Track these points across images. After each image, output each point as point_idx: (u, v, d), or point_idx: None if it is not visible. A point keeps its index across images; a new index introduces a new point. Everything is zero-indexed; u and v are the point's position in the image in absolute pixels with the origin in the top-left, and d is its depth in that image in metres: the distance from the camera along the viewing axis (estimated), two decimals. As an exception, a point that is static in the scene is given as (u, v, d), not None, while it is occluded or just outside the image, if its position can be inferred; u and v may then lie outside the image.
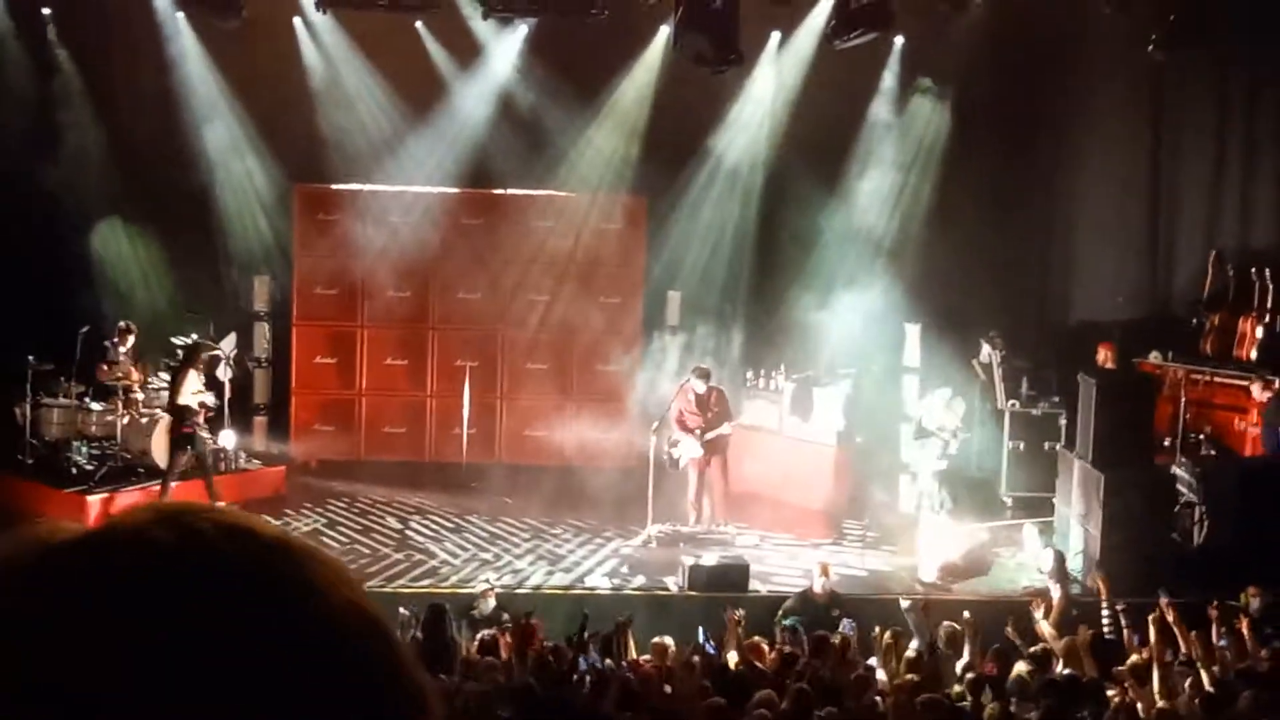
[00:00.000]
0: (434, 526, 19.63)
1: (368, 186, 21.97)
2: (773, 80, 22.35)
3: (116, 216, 22.15)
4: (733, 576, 17.27)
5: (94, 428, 19.88)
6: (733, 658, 14.25)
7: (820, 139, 22.05)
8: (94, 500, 18.79)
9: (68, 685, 1.16)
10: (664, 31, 21.45)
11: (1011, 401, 20.91)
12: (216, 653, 1.17)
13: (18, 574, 1.22)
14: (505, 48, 22.21)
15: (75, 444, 19.82)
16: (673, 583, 17.50)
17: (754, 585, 17.35)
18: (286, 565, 1.24)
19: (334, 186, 22.05)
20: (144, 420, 19.88)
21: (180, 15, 21.29)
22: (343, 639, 1.23)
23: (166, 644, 1.17)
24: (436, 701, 1.29)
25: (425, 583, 17.41)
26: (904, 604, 15.37)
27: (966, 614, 14.79)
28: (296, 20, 21.94)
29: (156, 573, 1.20)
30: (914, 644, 14.55)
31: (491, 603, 15.82)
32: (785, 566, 18.33)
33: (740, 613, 14.94)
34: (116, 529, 1.25)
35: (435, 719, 1.28)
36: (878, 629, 14.80)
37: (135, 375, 20.17)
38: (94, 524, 1.28)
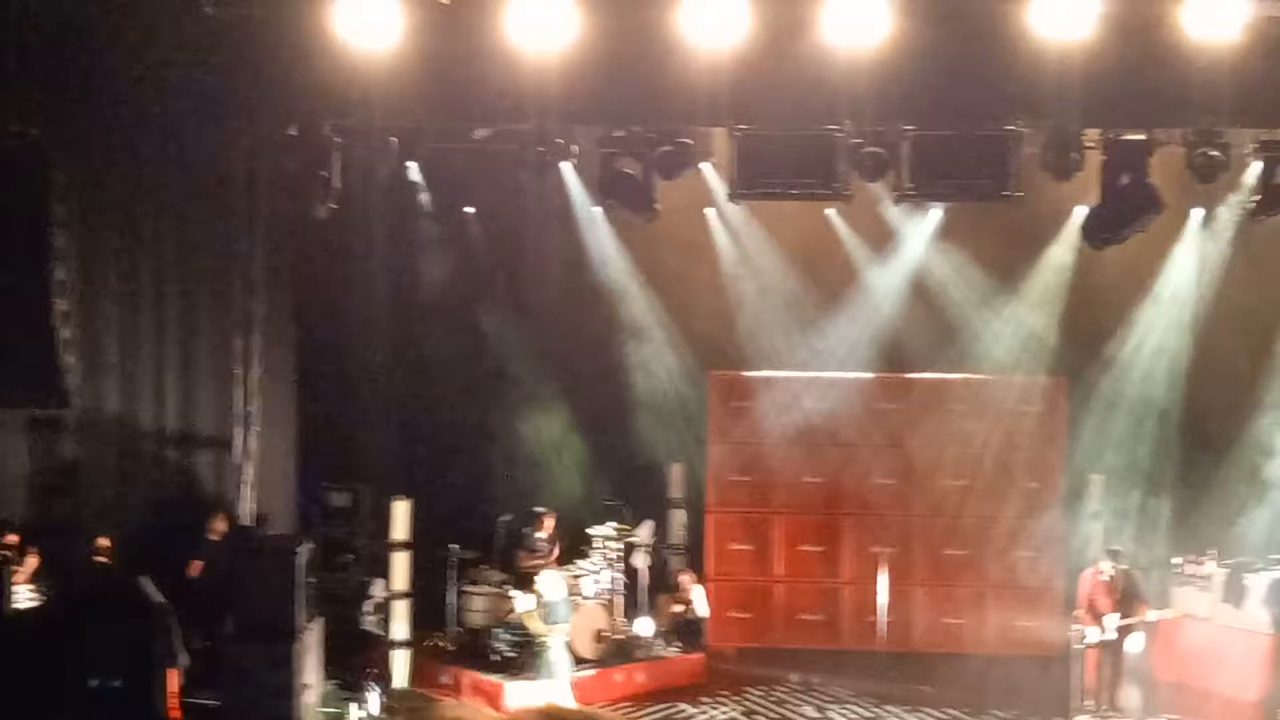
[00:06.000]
0: (852, 715, 19.27)
1: (781, 373, 21.99)
2: (1195, 256, 21.69)
3: (536, 404, 22.62)
4: (1163, 772, 16.51)
5: (514, 615, 20.13)
6: None
7: (1247, 314, 21.26)
8: (512, 686, 19.01)
9: None
10: (1080, 210, 21.04)
11: None
12: None
13: None
14: (919, 231, 22.06)
15: (495, 630, 20.10)
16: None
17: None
18: None
19: (746, 373, 22.12)
20: (563, 607, 20.10)
21: (598, 210, 21.75)
22: None
23: None
24: None
25: (844, 774, 17.09)
26: None
27: None
28: (709, 211, 22.19)
29: None
30: None
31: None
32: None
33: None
34: None
35: None
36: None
37: (554, 562, 20.48)
38: None
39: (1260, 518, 20.27)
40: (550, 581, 19.08)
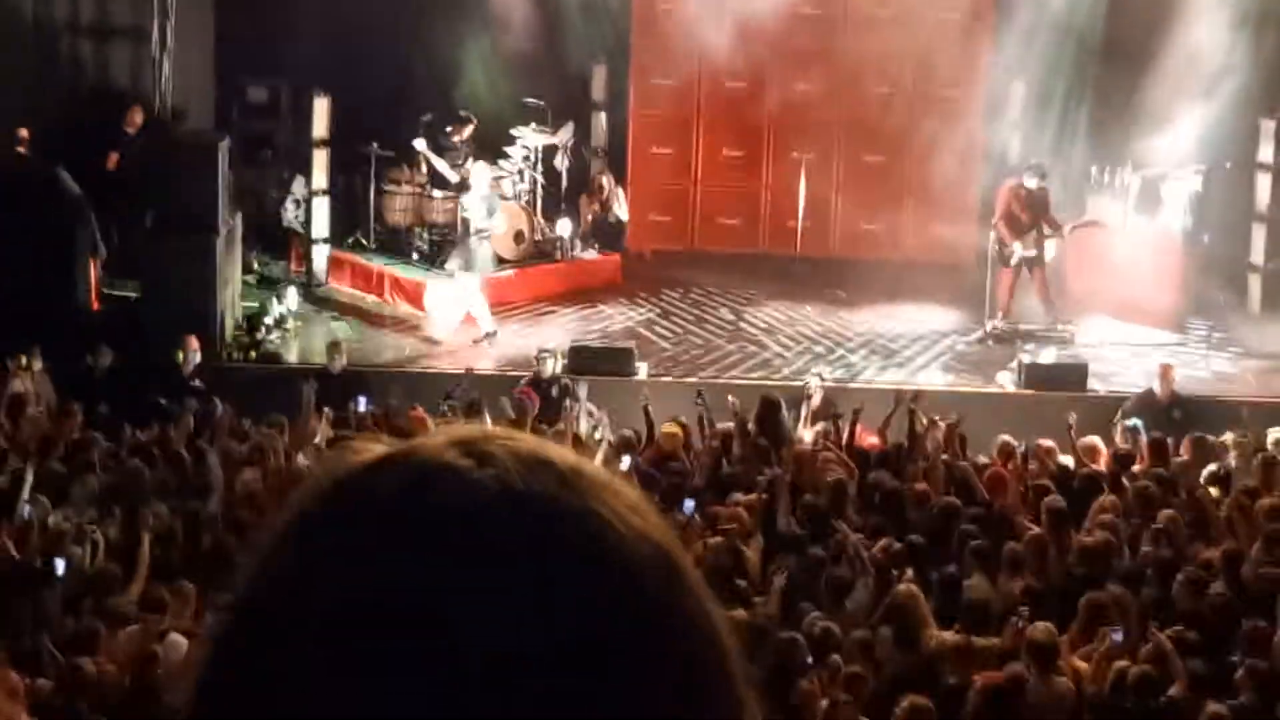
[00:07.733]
0: (766, 319, 19.60)
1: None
2: None
3: (455, 11, 22.26)
4: (1070, 375, 16.92)
5: (436, 215, 20.15)
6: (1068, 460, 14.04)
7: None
8: (432, 283, 19.19)
9: (359, 614, 1.19)
10: None
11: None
12: (506, 581, 1.20)
13: (323, 501, 1.26)
14: None
15: (417, 230, 20.19)
16: (1009, 380, 17.21)
17: (1092, 384, 16.98)
18: (579, 495, 1.25)
19: (674, -26, 21.80)
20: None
21: None
22: (635, 570, 1.24)
23: (462, 574, 1.20)
24: (728, 634, 1.27)
25: (757, 375, 17.43)
26: None
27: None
28: None
29: (454, 500, 1.23)
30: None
31: (819, 396, 15.74)
32: (1126, 366, 17.91)
33: (1073, 417, 14.66)
34: (416, 454, 1.27)
35: (728, 650, 1.27)
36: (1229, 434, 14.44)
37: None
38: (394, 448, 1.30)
39: (1179, 129, 20.34)
40: (480, 174, 18.79)
